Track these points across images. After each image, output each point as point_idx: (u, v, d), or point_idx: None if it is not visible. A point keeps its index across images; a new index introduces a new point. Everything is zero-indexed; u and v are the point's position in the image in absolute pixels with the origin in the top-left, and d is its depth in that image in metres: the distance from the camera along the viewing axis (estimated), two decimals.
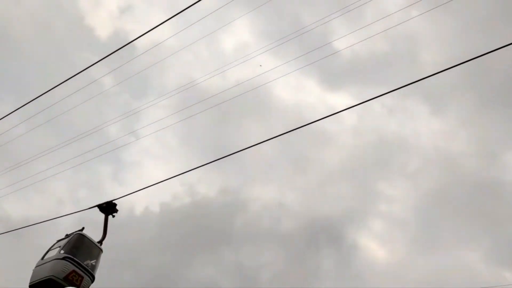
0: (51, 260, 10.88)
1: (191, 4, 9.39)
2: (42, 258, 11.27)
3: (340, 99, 33.73)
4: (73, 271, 10.71)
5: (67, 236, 11.76)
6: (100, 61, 11.09)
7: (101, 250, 11.66)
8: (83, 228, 11.90)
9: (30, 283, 10.89)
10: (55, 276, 10.54)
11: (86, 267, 11.03)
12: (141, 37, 10.39)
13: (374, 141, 31.01)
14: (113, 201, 12.31)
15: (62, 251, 11.03)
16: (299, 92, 33.25)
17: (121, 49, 10.64)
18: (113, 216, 12.34)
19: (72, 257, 10.93)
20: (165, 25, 10.19)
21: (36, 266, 11.08)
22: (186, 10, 9.41)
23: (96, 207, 12.31)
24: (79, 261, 10.94)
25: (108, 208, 12.33)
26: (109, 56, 10.79)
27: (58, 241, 11.76)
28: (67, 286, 10.55)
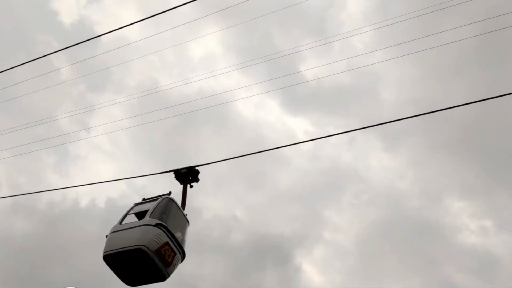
0: (138, 226, 8.34)
1: (166, 9, 9.12)
2: (121, 222, 8.64)
3: (300, 123, 33.77)
4: (167, 243, 8.19)
5: (148, 200, 9.27)
6: (62, 50, 10.48)
7: (188, 223, 9.20)
8: (170, 192, 9.33)
9: (106, 252, 8.24)
10: (146, 247, 7.95)
11: (178, 240, 8.62)
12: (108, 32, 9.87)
13: (327, 168, 31.50)
14: (196, 167, 9.60)
15: (149, 217, 8.44)
16: (260, 110, 33.35)
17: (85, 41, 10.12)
18: (191, 187, 9.48)
19: (166, 225, 8.39)
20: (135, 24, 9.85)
21: (112, 232, 8.45)
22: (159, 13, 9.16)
23: (172, 173, 9.61)
24: (173, 232, 8.49)
25: (187, 176, 9.45)
26: (73, 46, 10.18)
27: (137, 204, 9.18)
28: (157, 261, 8.05)
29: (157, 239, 8.07)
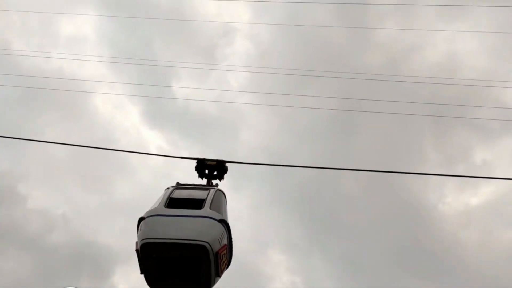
0: (197, 216, 6.49)
1: None
2: (165, 205, 6.76)
3: (154, 138, 31.77)
4: (226, 246, 6.49)
5: (191, 186, 7.41)
6: None
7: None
8: (217, 184, 7.77)
9: (149, 239, 6.27)
10: (210, 245, 6.16)
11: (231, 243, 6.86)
12: None
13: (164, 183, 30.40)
14: (225, 162, 7.84)
15: (209, 208, 6.68)
16: (118, 111, 31.14)
17: None
18: (220, 180, 7.90)
19: (228, 224, 6.66)
20: None
21: (155, 215, 6.54)
22: None
23: (196, 161, 7.91)
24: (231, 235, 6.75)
25: (214, 170, 7.89)
26: None
27: (177, 188, 7.17)
28: (212, 266, 6.26)
29: (220, 238, 6.41)
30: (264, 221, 29.05)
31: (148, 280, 6.59)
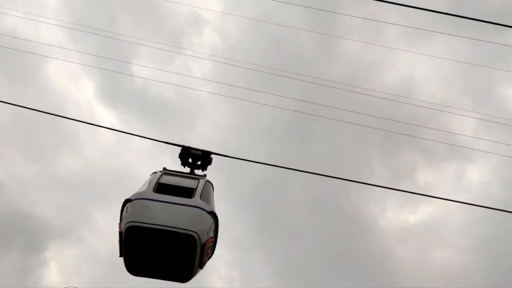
0: (188, 205, 6.20)
1: None
2: (154, 190, 6.51)
3: (106, 116, 30.94)
4: (212, 238, 6.36)
5: (180, 173, 7.20)
6: None
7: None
8: (205, 174, 7.50)
9: (137, 223, 5.91)
10: (198, 236, 6.00)
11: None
12: None
13: (117, 167, 30.01)
14: (211, 153, 7.57)
15: (197, 197, 6.37)
16: (73, 81, 30.07)
17: None
18: (203, 170, 7.63)
19: (217, 217, 6.48)
20: None
21: (144, 199, 6.28)
22: None
23: (181, 149, 7.61)
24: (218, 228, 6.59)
25: (198, 160, 7.61)
26: None
27: (165, 174, 6.95)
28: (197, 258, 6.12)
29: (209, 230, 6.25)
30: None
31: (127, 264, 6.32)
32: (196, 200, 6.48)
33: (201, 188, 6.79)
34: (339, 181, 7.62)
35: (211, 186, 7.24)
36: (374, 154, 29.84)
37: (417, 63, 27.34)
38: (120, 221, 6.35)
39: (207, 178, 7.41)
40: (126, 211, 6.27)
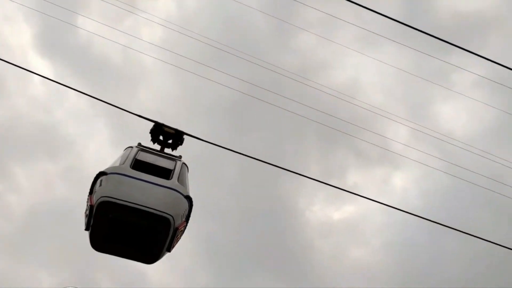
0: (166, 187, 6.08)
1: None
2: (131, 166, 6.26)
3: (42, 66, 28.53)
4: (185, 222, 6.21)
5: (156, 152, 6.92)
6: None
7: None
8: (180, 156, 7.25)
9: (112, 198, 5.73)
10: (173, 219, 5.84)
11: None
12: None
13: (44, 123, 28.94)
14: (184, 133, 7.32)
15: (175, 180, 6.31)
16: (7, 23, 27.93)
17: None
18: (173, 150, 7.44)
19: (192, 201, 6.31)
20: None
21: (120, 174, 6.01)
22: None
23: (153, 124, 7.47)
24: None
25: (169, 138, 7.42)
26: None
27: (142, 150, 6.92)
28: (168, 240, 5.99)
29: (183, 214, 6.14)
30: None
31: (92, 239, 6.04)
32: (173, 182, 6.33)
33: (179, 170, 6.64)
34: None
35: (187, 168, 7.07)
36: (311, 148, 30.39)
37: (365, 66, 28.00)
38: (91, 193, 6.03)
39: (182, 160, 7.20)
40: (100, 184, 5.96)
